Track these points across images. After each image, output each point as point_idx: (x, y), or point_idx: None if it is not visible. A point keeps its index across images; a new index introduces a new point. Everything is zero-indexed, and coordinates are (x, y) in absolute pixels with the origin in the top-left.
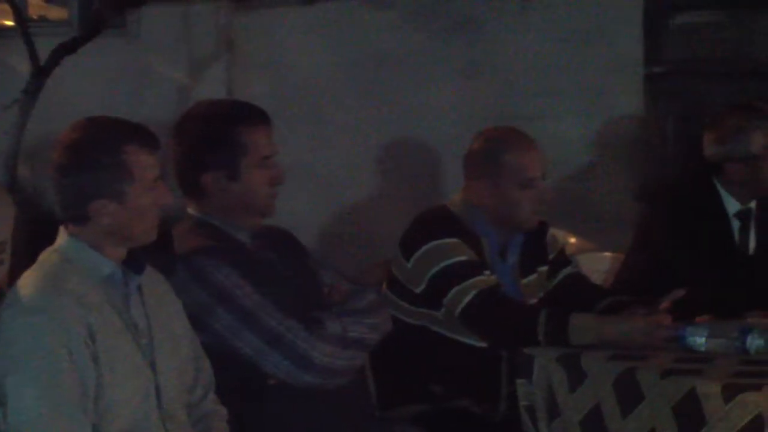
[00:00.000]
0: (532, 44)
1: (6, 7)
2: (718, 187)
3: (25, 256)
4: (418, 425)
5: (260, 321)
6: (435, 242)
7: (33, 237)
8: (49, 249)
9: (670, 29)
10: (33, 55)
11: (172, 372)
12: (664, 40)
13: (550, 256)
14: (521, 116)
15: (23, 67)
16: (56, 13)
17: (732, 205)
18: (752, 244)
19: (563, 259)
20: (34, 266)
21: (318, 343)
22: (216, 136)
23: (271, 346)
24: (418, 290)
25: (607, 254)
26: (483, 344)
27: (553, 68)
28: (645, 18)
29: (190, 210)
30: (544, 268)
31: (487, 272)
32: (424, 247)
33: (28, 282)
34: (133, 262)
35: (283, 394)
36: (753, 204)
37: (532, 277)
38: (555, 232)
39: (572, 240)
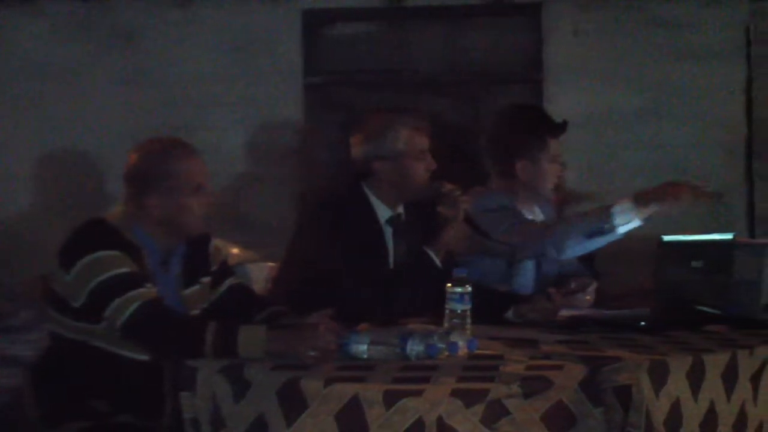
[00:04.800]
0: (194, 54)
1: None
2: (369, 194)
3: None
4: None
5: None
6: (94, 255)
7: None
8: None
9: (327, 40)
10: None
11: None
12: (322, 50)
13: (213, 267)
14: (183, 126)
15: None
16: None
17: (383, 212)
18: (403, 250)
19: (226, 269)
20: None
21: None
22: None
23: None
24: (77, 304)
25: (270, 264)
26: (144, 357)
27: (215, 78)
28: (303, 29)
29: None
30: (207, 279)
31: (149, 284)
32: (83, 260)
33: None
34: None
35: None
36: (401, 209)
37: (195, 288)
38: (218, 242)
39: (235, 250)
